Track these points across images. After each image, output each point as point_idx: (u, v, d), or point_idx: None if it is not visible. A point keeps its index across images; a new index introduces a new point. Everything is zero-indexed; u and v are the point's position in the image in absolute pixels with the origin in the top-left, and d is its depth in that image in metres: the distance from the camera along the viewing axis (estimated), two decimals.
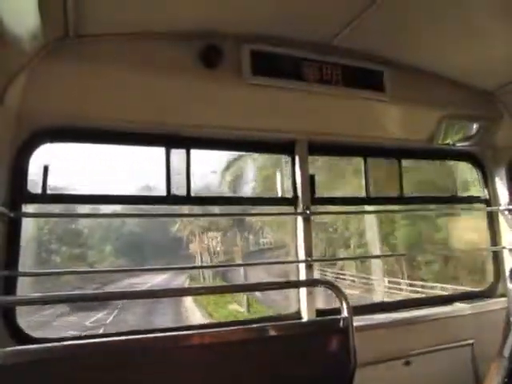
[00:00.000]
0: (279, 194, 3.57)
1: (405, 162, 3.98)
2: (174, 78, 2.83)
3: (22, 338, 2.58)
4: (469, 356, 3.53)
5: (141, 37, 2.71)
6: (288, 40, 3.01)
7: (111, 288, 9.81)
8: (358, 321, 2.77)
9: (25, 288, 2.70)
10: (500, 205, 4.15)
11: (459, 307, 3.77)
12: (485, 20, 2.80)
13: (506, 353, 2.12)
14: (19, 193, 2.64)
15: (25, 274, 2.78)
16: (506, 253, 4.10)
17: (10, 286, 2.56)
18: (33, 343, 2.50)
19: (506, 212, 4.12)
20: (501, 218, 4.17)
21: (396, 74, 3.36)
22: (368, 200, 3.86)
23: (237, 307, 12.70)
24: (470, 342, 3.52)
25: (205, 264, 15.61)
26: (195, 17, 2.67)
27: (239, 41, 2.92)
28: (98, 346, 1.80)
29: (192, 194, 3.17)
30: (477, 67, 3.45)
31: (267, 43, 2.97)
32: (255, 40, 2.95)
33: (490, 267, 4.22)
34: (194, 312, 12.67)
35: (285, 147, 3.48)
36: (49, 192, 2.75)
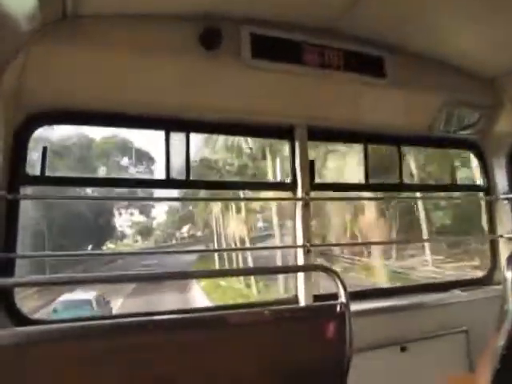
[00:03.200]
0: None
1: None
2: (173, 60, 2.81)
3: (20, 319, 2.60)
4: (464, 343, 3.56)
5: (139, 18, 2.67)
6: (289, 23, 2.98)
7: None
8: (355, 306, 2.79)
9: None
10: (499, 193, 4.16)
11: (455, 294, 3.79)
12: (487, 6, 2.77)
13: (500, 340, 2.14)
14: (17, 175, 2.63)
15: (23, 256, 2.79)
16: (503, 241, 4.12)
17: (8, 268, 2.57)
18: (32, 325, 2.52)
19: (505, 201, 4.13)
20: (499, 207, 4.18)
21: (397, 60, 3.33)
22: (367, 186, 3.86)
23: None
24: (465, 328, 3.55)
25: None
26: None
27: (239, 23, 2.89)
28: (96, 327, 1.81)
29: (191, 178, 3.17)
30: (479, 54, 3.42)
31: (267, 26, 2.94)
32: (255, 23, 2.91)
33: None
34: None
35: (284, 132, 3.46)
36: (47, 174, 2.75)
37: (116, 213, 20.09)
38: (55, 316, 12.05)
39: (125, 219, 20.62)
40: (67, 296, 12.62)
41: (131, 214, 20.71)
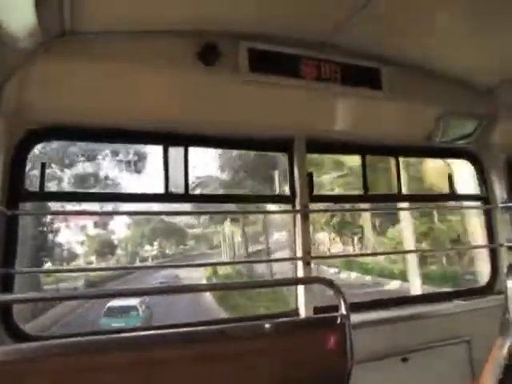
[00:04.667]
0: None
1: None
2: (171, 76, 2.83)
3: (19, 335, 2.58)
4: (466, 353, 3.54)
5: (138, 35, 2.70)
6: (286, 38, 3.01)
7: None
8: (356, 318, 2.78)
9: None
10: (497, 202, 4.16)
11: (456, 304, 3.77)
12: (482, 18, 2.80)
13: (503, 350, 2.12)
14: (16, 191, 2.63)
15: (22, 272, 2.78)
16: (503, 250, 4.11)
17: (7, 284, 2.56)
18: (30, 341, 2.51)
19: (504, 209, 4.13)
20: (498, 216, 4.18)
21: (393, 72, 3.36)
22: (366, 197, 3.86)
23: None
24: (467, 338, 3.53)
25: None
26: (193, 15, 2.66)
27: (237, 39, 2.91)
28: (95, 343, 1.81)
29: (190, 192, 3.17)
30: (474, 65, 3.45)
31: (265, 41, 2.97)
32: (253, 38, 2.95)
33: None
34: None
35: (283, 145, 3.48)
36: (46, 190, 2.75)
37: (62, 225, 14.71)
38: (105, 322, 12.09)
39: (74, 233, 15.56)
40: (113, 302, 12.63)
41: (83, 228, 15.68)
